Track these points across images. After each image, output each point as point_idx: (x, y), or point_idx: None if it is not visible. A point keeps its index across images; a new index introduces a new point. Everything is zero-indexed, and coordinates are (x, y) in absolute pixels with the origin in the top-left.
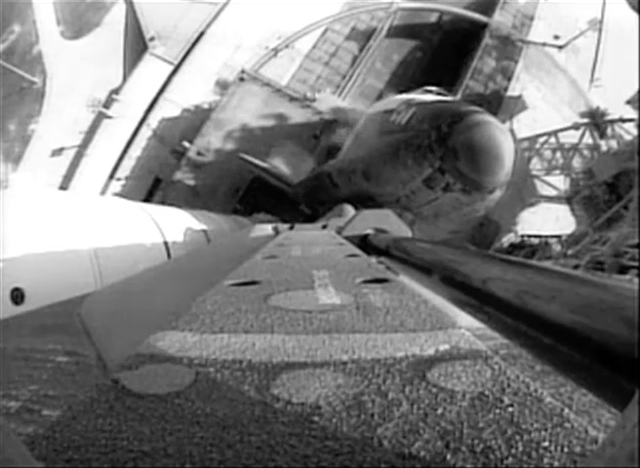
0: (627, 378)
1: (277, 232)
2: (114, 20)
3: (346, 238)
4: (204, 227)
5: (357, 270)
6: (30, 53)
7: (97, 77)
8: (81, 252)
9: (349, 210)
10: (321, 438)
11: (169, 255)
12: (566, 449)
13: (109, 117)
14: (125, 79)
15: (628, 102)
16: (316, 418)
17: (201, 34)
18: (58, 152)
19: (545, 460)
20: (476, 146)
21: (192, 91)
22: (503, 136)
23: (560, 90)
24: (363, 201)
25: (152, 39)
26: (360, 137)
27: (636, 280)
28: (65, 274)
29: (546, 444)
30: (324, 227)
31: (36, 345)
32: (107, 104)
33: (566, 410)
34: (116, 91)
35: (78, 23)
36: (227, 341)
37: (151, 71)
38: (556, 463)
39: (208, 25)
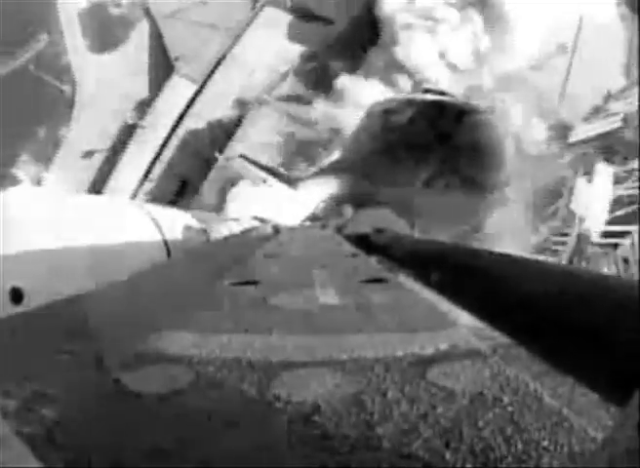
0: (627, 378)
1: (277, 231)
2: (139, 38)
3: (346, 237)
4: (204, 226)
5: (356, 269)
6: (59, 62)
7: (124, 90)
8: (80, 251)
9: (349, 209)
10: (321, 437)
11: (169, 255)
12: (565, 449)
13: (141, 127)
14: (150, 92)
15: (609, 95)
16: (316, 418)
17: (222, 58)
18: (88, 155)
19: (545, 459)
20: (476, 146)
21: (215, 107)
22: (503, 136)
23: (530, 103)
24: (362, 200)
25: (177, 59)
26: (360, 137)
27: (636, 278)
28: (65, 273)
29: (546, 443)
30: (324, 227)
31: (36, 345)
32: (139, 116)
33: (565, 410)
34: (146, 103)
35: (104, 38)
36: (227, 340)
37: (178, 89)
38: (555, 462)
39: (227, 50)
